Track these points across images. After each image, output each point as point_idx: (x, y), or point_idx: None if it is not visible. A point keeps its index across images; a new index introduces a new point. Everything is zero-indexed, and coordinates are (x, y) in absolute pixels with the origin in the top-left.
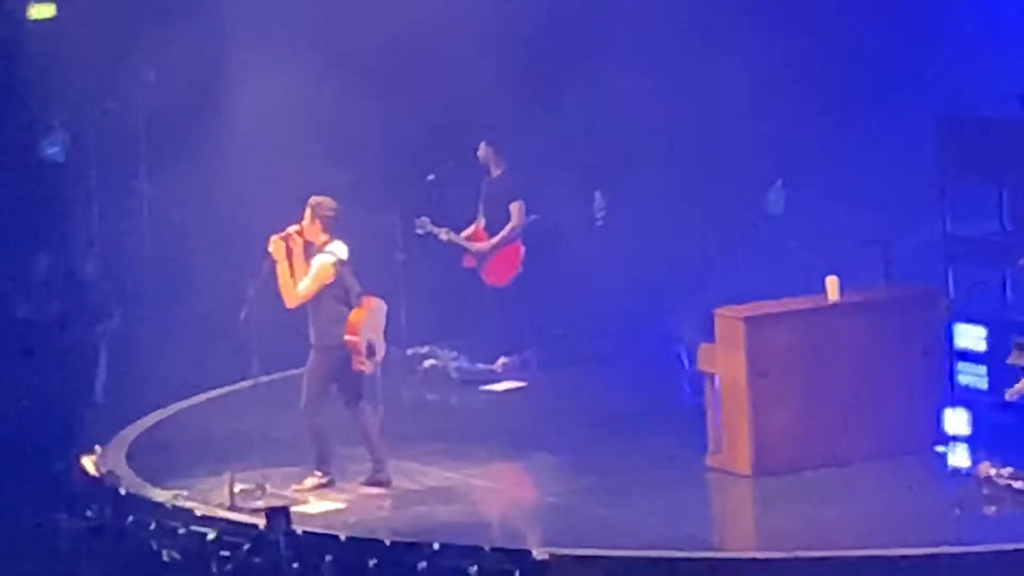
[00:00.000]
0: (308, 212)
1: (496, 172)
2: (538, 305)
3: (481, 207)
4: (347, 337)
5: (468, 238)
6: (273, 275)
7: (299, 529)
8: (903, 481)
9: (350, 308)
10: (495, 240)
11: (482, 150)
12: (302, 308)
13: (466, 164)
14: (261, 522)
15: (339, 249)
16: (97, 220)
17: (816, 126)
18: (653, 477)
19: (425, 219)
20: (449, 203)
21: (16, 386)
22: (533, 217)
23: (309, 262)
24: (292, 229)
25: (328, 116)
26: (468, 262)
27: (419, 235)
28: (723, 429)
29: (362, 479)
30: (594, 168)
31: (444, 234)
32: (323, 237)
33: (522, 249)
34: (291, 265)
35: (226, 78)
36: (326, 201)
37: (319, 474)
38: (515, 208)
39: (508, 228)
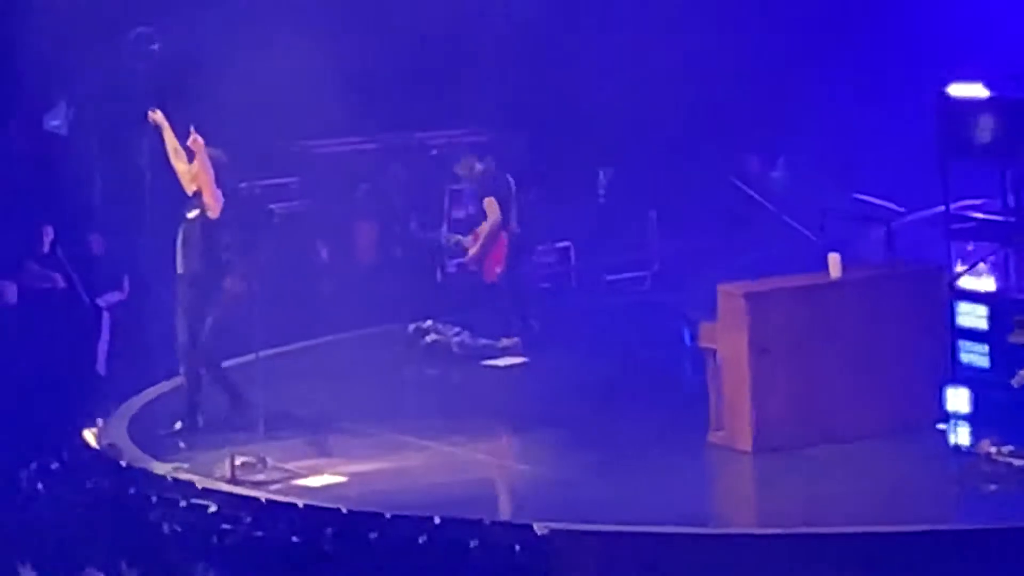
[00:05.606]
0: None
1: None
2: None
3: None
4: None
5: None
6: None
7: (300, 503)
8: (903, 458)
9: None
10: (478, 246)
11: (463, 169)
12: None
13: None
14: (263, 495)
15: None
16: (101, 192)
17: (823, 101)
18: (655, 453)
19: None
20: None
21: (19, 357)
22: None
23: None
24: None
25: (332, 87)
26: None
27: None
28: (724, 406)
29: None
30: (596, 145)
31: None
32: None
33: (507, 242)
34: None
35: (229, 49)
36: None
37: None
38: (488, 204)
39: (487, 226)
